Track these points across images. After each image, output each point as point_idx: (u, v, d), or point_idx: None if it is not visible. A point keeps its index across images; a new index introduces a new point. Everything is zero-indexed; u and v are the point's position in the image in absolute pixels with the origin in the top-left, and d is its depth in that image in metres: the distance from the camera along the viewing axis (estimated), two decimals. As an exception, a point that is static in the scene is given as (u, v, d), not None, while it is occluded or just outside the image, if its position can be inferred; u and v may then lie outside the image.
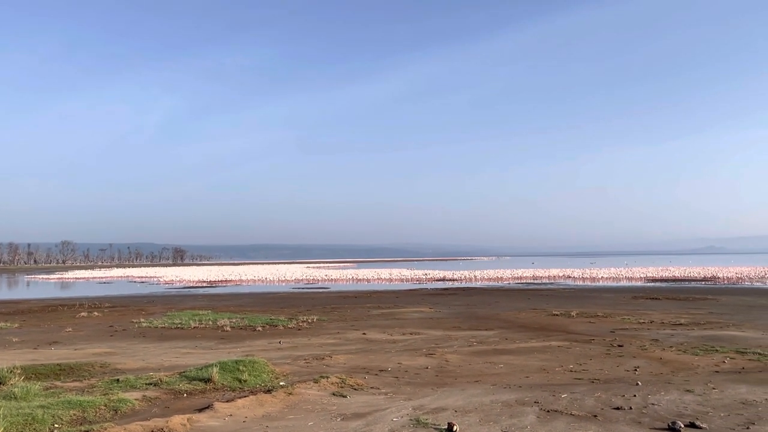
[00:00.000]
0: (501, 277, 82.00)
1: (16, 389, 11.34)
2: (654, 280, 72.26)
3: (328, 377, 13.06)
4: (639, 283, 65.94)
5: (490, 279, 79.75)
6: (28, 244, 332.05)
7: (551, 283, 67.16)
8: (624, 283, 66.78)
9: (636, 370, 14.42)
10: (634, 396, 11.34)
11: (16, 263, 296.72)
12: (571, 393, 11.70)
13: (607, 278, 77.74)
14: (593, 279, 77.09)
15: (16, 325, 27.98)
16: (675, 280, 71.41)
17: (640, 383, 12.62)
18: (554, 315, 29.16)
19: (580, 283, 69.28)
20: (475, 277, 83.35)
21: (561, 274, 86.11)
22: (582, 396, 11.42)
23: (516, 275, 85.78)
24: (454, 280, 78.89)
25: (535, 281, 72.88)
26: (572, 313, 29.24)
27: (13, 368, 13.64)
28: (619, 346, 18.48)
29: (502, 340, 20.37)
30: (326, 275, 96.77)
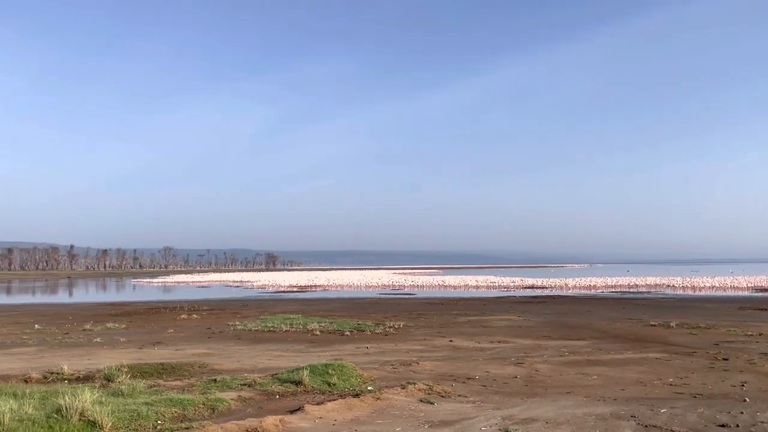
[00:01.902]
0: (593, 285, 79.02)
1: (123, 386, 12.13)
2: (763, 289, 67.21)
3: (415, 383, 13.08)
4: (746, 293, 61.62)
5: (581, 287, 77.06)
6: (134, 250, 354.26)
7: (648, 292, 64.06)
8: (729, 293, 62.61)
9: (743, 385, 13.47)
10: (741, 413, 10.60)
11: (123, 267, 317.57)
12: (671, 408, 11.10)
13: (710, 287, 73.09)
14: (694, 288, 72.74)
15: (124, 326, 29.92)
16: (788, 290, 66.12)
17: (747, 399, 11.79)
18: (652, 325, 27.77)
19: (680, 292, 65.63)
20: (565, 284, 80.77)
21: (659, 283, 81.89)
22: (683, 411, 10.81)
23: (609, 283, 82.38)
24: (543, 287, 76.82)
25: (631, 290, 69.73)
26: (671, 324, 27.72)
27: (121, 366, 14.62)
28: (724, 359, 17.33)
29: (596, 351, 19.62)
30: (412, 281, 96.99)
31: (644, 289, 70.42)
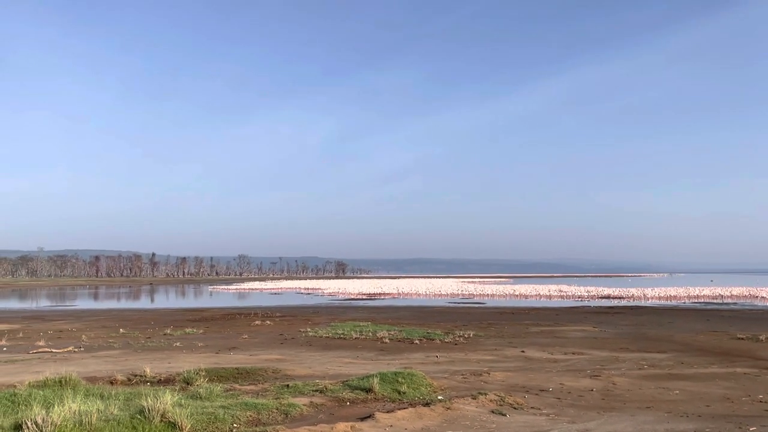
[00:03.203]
0: (674, 296, 75.56)
1: (201, 390, 12.57)
2: None
3: (486, 394, 12.88)
4: None
5: (661, 297, 73.83)
6: (211, 258, 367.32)
7: (734, 303, 60.64)
8: (826, 305, 58.37)
9: None
10: (844, 436, 9.83)
11: (200, 275, 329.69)
12: (761, 426, 10.43)
13: (803, 299, 68.35)
14: (786, 299, 68.24)
15: (201, 331, 31.02)
16: None
17: None
18: (739, 338, 26.24)
19: (769, 303, 61.76)
20: (644, 295, 77.59)
21: (746, 294, 77.37)
22: (776, 431, 10.14)
23: (692, 294, 78.57)
24: (620, 297, 74.12)
25: (715, 301, 66.23)
26: (761, 337, 26.10)
27: (199, 370, 15.16)
28: (822, 376, 16.16)
29: (677, 365, 18.72)
30: (482, 290, 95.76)
31: (730, 300, 66.73)
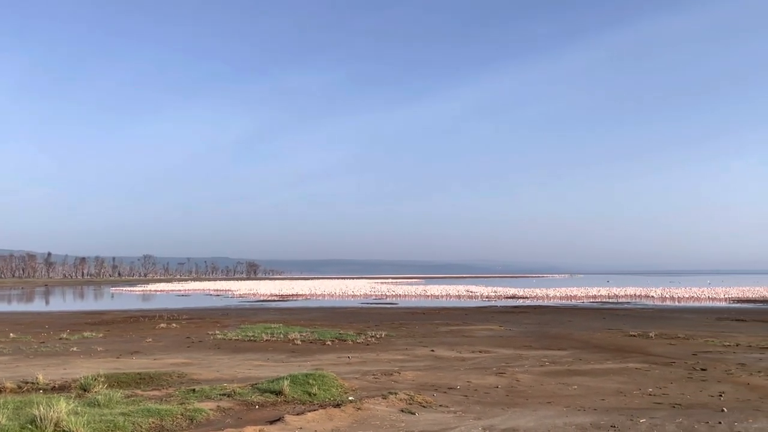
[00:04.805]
0: (574, 296, 79.57)
1: (99, 396, 11.92)
2: (740, 300, 68.21)
3: (396, 393, 13.03)
4: (723, 304, 62.44)
5: (562, 297, 77.54)
6: (113, 258, 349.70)
7: (628, 303, 64.68)
8: (707, 304, 63.42)
9: (721, 395, 13.62)
10: (720, 423, 10.71)
11: (102, 276, 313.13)
12: (650, 418, 11.18)
13: (688, 298, 73.97)
14: (673, 299, 73.57)
15: (101, 335, 29.48)
16: (765, 300, 67.14)
17: (725, 410, 11.92)
18: (631, 336, 28.02)
19: (658, 302, 66.34)
20: (547, 295, 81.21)
21: (638, 294, 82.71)
22: (662, 421, 10.89)
23: (590, 294, 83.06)
24: (524, 297, 77.21)
25: (611, 300, 70.34)
26: (651, 334, 28.00)
27: (97, 376, 14.37)
28: (702, 369, 17.53)
29: (576, 361, 19.73)
30: (394, 291, 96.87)
31: (624, 300, 71.05)
